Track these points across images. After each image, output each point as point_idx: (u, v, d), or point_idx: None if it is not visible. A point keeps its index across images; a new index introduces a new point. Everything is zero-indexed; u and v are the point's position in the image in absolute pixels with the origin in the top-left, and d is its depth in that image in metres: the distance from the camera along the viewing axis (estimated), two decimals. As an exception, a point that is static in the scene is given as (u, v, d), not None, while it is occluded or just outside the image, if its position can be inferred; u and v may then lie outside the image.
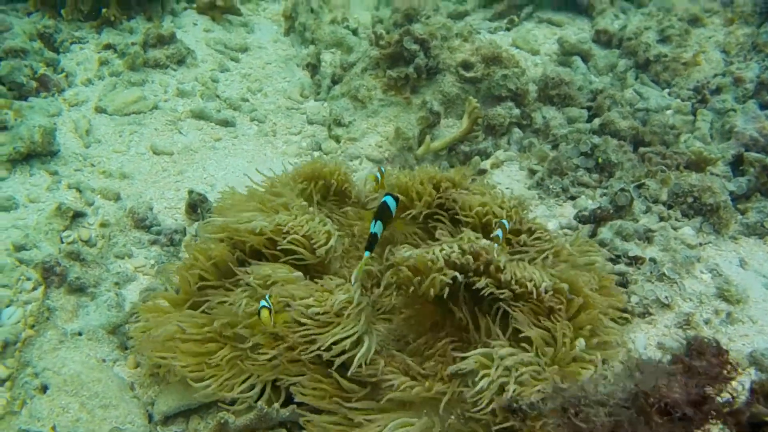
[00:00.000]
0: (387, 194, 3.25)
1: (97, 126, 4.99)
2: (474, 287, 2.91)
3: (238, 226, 3.15)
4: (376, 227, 3.13)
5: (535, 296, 2.81)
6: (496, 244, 3.00)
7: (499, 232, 3.11)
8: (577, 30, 6.36)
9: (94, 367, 3.11)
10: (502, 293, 2.85)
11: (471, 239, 2.96)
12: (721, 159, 4.54)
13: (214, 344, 2.93)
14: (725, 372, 1.68)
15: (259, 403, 2.78)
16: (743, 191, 4.31)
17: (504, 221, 3.17)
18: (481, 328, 2.88)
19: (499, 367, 2.56)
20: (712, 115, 5.01)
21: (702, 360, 1.70)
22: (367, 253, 3.08)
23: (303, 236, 3.11)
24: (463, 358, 2.65)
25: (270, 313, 2.81)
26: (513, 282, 2.83)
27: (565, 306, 2.84)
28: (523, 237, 3.26)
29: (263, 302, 2.83)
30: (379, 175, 3.64)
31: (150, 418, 2.98)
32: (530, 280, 2.83)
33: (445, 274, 2.85)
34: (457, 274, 2.86)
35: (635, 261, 3.71)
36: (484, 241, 2.97)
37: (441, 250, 2.90)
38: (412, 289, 2.92)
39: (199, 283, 3.15)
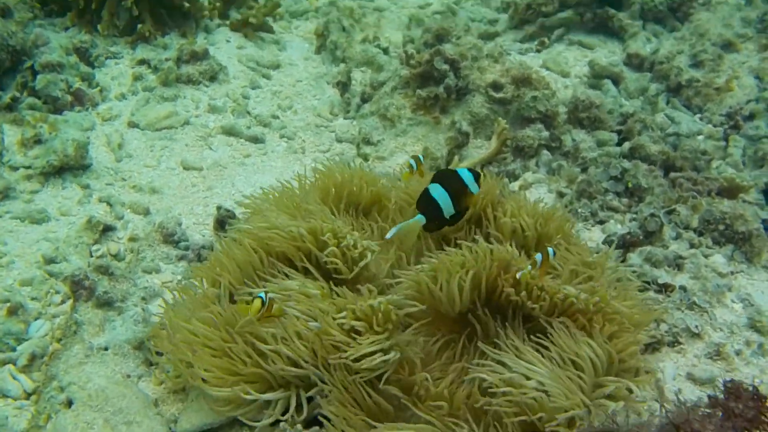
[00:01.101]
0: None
1: (129, 140, 5.06)
2: (497, 299, 2.90)
3: (271, 233, 3.13)
4: (434, 190, 2.73)
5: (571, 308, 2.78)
6: (529, 266, 2.93)
7: (538, 255, 2.94)
8: (608, 53, 6.32)
9: (119, 382, 3.14)
10: (533, 307, 2.83)
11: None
12: (754, 186, 4.47)
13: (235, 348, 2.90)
14: (763, 416, 1.63)
15: (282, 423, 2.78)
16: (776, 220, 4.23)
17: (550, 249, 2.97)
18: (504, 343, 2.84)
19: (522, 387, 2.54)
20: (745, 142, 4.93)
21: (739, 402, 1.66)
22: (419, 217, 2.76)
23: (339, 248, 3.06)
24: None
25: (262, 306, 2.78)
26: (544, 296, 2.80)
27: (600, 326, 2.82)
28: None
29: (261, 294, 2.81)
30: (414, 162, 3.27)
31: (172, 435, 3.00)
32: (564, 295, 2.80)
33: (463, 280, 2.81)
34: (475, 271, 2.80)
35: (665, 288, 3.66)
36: (510, 248, 2.93)
37: (459, 256, 2.85)
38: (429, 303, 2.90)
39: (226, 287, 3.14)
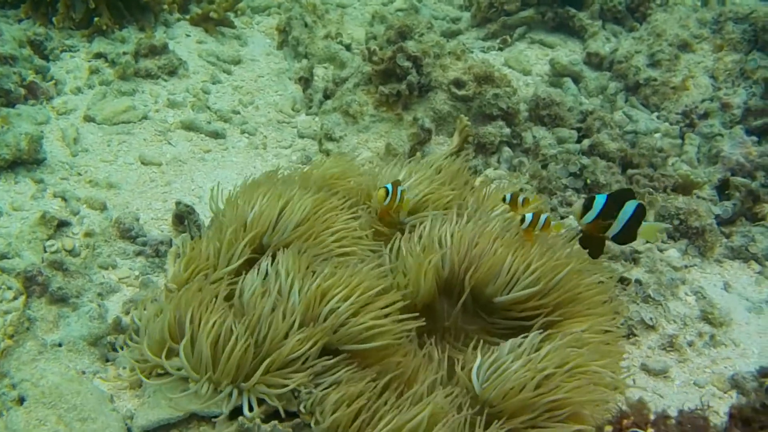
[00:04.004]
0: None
1: (85, 135, 4.96)
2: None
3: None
4: (627, 209, 2.85)
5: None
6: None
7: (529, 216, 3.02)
8: (568, 52, 6.40)
9: (73, 379, 3.07)
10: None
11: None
12: (708, 183, 4.57)
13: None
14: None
15: (240, 417, 2.75)
16: (728, 215, 4.34)
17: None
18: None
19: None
20: (700, 140, 5.05)
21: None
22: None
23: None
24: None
25: (387, 196, 3.08)
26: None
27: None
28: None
29: (388, 185, 3.10)
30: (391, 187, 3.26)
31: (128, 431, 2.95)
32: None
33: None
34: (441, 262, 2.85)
35: (621, 282, 3.73)
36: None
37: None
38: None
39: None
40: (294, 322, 2.75)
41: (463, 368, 2.74)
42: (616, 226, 2.85)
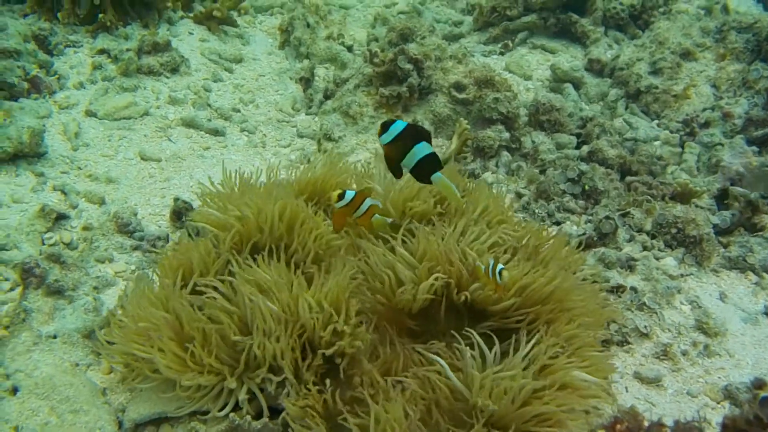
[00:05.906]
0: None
1: (87, 129, 4.98)
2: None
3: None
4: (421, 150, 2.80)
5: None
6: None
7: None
8: (570, 57, 6.41)
9: (66, 370, 3.08)
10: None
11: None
12: (707, 192, 4.57)
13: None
14: None
15: (231, 414, 2.76)
16: (727, 225, 4.33)
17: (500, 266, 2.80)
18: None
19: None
20: (700, 149, 5.05)
21: None
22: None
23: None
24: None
25: (340, 200, 2.83)
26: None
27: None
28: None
29: (349, 192, 2.85)
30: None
31: (120, 425, 2.95)
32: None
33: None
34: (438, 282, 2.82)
35: (616, 289, 3.73)
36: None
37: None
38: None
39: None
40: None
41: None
42: (411, 160, 2.78)
